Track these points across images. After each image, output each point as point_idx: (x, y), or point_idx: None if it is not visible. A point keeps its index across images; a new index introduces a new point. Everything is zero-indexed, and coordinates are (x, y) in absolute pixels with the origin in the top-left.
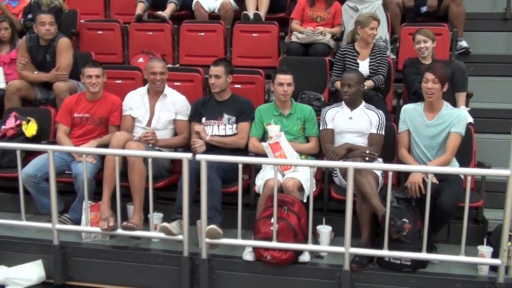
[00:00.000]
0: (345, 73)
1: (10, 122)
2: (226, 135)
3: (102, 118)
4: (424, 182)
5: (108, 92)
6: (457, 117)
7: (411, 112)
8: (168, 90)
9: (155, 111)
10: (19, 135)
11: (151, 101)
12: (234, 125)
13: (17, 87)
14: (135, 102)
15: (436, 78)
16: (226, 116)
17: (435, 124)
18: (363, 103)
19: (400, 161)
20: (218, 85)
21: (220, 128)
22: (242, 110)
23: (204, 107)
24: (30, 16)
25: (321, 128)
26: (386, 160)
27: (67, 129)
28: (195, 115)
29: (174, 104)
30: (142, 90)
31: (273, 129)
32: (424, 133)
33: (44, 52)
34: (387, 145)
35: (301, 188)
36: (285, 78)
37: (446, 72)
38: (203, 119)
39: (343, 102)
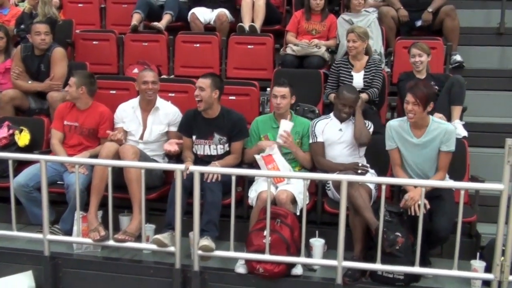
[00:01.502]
0: (345, 92)
1: (3, 132)
2: (218, 155)
3: (90, 129)
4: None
5: (103, 102)
6: (445, 134)
7: (397, 129)
8: (160, 102)
9: (147, 125)
10: (11, 145)
11: (143, 114)
12: (226, 145)
13: (10, 96)
14: (127, 115)
15: (416, 100)
16: (217, 136)
17: (424, 142)
18: (351, 116)
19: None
20: (202, 99)
21: (212, 148)
22: (235, 130)
23: (195, 122)
24: (22, 26)
25: (310, 141)
26: (379, 173)
27: (61, 136)
28: (186, 128)
29: (167, 116)
30: (134, 103)
31: (286, 125)
32: (415, 152)
33: (38, 62)
34: (381, 157)
35: (294, 201)
36: (279, 91)
37: (430, 92)
38: (194, 137)
39: (331, 114)
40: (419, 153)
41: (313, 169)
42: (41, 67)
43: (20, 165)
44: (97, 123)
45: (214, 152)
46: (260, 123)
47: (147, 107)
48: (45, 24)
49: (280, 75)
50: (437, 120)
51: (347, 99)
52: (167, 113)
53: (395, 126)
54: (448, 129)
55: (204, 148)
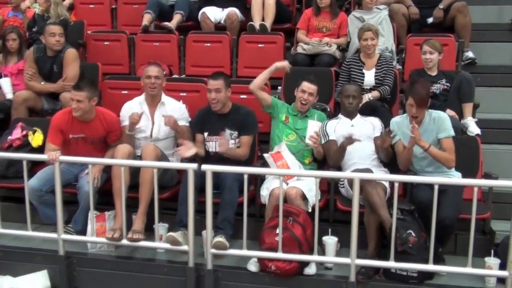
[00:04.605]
0: (346, 85)
1: (17, 133)
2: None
3: (101, 137)
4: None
5: (115, 102)
6: (439, 121)
7: (398, 123)
8: (165, 98)
9: (155, 121)
10: (25, 146)
11: (150, 109)
12: (237, 140)
13: (24, 97)
14: (134, 111)
15: (418, 104)
16: (228, 131)
17: (422, 133)
18: (358, 114)
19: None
20: (219, 101)
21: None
22: (245, 124)
23: (207, 119)
24: (34, 29)
25: (323, 141)
26: (392, 172)
27: (56, 149)
28: (198, 125)
29: (173, 111)
30: (140, 99)
31: (315, 125)
32: (414, 147)
33: (51, 63)
34: (394, 155)
35: (304, 197)
36: (308, 87)
37: (428, 91)
38: (205, 134)
39: (340, 115)
40: (418, 149)
41: (324, 165)
42: (53, 68)
43: (34, 165)
44: (107, 131)
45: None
46: (281, 103)
47: (152, 102)
48: (59, 26)
49: (291, 74)
50: (429, 111)
51: (348, 89)
52: (174, 108)
53: (397, 121)
54: (439, 116)
55: (216, 144)
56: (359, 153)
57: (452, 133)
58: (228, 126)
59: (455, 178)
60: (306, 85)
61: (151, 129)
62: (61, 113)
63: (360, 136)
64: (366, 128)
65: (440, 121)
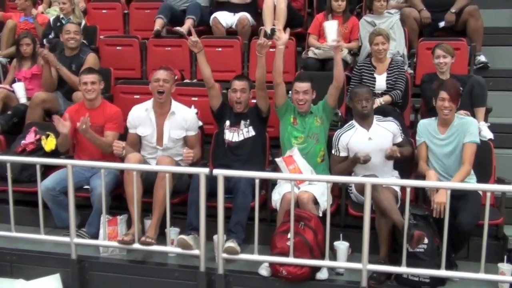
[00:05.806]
0: (356, 89)
1: (30, 137)
2: (244, 139)
3: (100, 126)
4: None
5: (127, 107)
6: (467, 125)
7: (426, 126)
8: (175, 106)
9: (165, 130)
10: (38, 150)
11: (158, 118)
12: (250, 127)
13: (42, 98)
14: (141, 120)
15: (451, 97)
16: (242, 123)
17: (448, 136)
18: (374, 117)
19: (418, 176)
20: (243, 101)
21: (240, 134)
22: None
23: (229, 112)
24: (51, 36)
25: (333, 152)
26: (404, 176)
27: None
28: (220, 111)
29: (185, 121)
30: (148, 105)
31: (330, 25)
32: (439, 150)
33: (69, 63)
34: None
35: (316, 202)
36: (300, 86)
37: (459, 88)
38: (228, 123)
39: (353, 122)
40: (443, 152)
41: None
42: (72, 67)
43: (47, 169)
44: (105, 120)
45: (241, 138)
46: (288, 102)
47: (161, 111)
48: (75, 25)
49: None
50: (460, 116)
51: (360, 93)
52: (185, 118)
53: (425, 123)
54: (469, 121)
55: (233, 135)
56: (377, 171)
57: (477, 139)
58: (244, 118)
59: (471, 183)
60: (297, 85)
61: (157, 138)
62: (70, 107)
63: (380, 150)
64: (384, 138)
65: (468, 124)
